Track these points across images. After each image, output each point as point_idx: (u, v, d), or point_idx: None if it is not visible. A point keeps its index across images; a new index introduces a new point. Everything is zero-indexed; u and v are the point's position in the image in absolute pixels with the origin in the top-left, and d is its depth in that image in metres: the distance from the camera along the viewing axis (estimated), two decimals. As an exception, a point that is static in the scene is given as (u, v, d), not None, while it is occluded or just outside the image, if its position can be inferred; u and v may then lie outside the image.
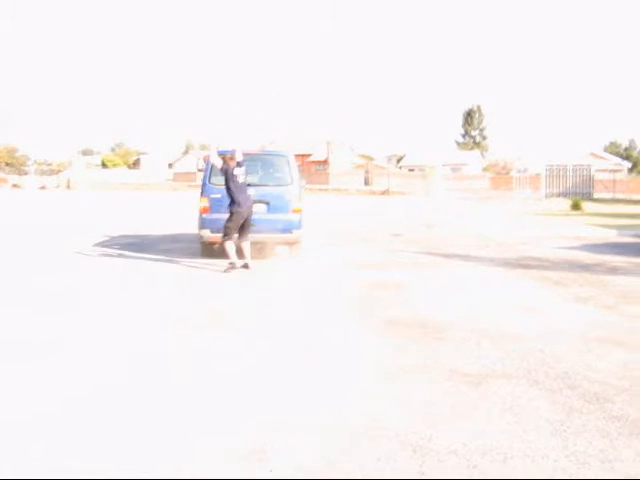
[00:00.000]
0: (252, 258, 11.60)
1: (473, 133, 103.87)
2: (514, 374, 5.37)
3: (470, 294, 9.05)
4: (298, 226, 12.60)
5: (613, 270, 11.38)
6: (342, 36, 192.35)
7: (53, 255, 13.26)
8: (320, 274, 11.11)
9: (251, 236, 11.70)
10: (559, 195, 40.85)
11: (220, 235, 11.43)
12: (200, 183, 13.29)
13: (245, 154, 12.22)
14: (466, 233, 18.25)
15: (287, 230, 12.53)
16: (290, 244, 12.94)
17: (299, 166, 14.80)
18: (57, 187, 61.51)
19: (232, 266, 11.16)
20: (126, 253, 13.44)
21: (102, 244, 15.15)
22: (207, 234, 12.38)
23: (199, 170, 14.18)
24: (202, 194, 12.64)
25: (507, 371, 5.45)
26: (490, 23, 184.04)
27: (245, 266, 11.36)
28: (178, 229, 18.48)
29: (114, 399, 4.82)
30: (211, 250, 12.57)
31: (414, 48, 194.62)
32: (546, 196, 40.75)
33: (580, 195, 39.32)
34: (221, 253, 11.66)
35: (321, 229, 18.82)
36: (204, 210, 12.43)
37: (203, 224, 12.44)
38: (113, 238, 16.44)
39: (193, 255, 13.01)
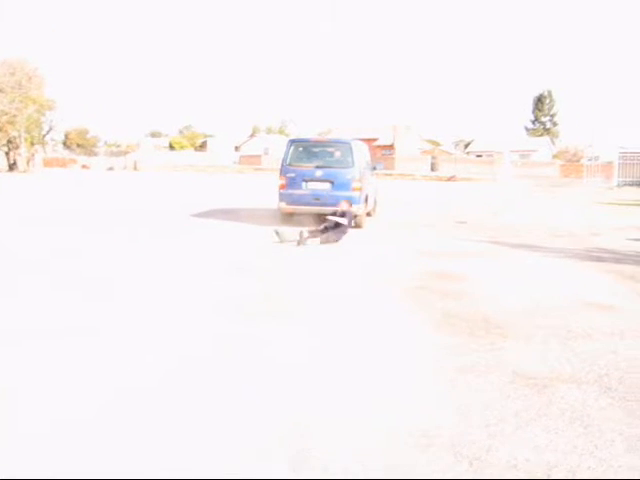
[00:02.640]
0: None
1: (543, 119, 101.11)
2: (584, 379, 4.91)
3: (537, 288, 8.54)
4: (357, 201, 14.86)
5: (693, 266, 10.68)
6: (410, 19, 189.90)
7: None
8: (379, 260, 10.77)
9: (317, 209, 14.59)
10: (632, 184, 39.21)
11: (293, 207, 15.11)
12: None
13: (316, 141, 17.05)
14: (534, 222, 17.56)
15: None
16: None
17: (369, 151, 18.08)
18: (124, 168, 62.42)
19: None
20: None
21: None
22: (283, 205, 15.26)
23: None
24: (280, 173, 15.47)
25: (576, 375, 4.99)
26: (562, 5, 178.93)
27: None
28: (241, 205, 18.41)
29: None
30: (288, 218, 15.36)
31: (484, 32, 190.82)
32: (618, 185, 39.22)
33: (655, 184, 37.75)
34: (296, 221, 14.86)
35: (384, 214, 18.44)
36: (282, 186, 15.26)
37: (281, 197, 15.28)
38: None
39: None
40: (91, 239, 12.62)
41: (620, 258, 11.26)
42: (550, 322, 6.60)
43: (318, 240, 12.30)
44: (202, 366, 5.08)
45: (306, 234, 12.28)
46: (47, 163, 63.53)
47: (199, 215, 17.55)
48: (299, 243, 12.03)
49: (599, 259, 11.09)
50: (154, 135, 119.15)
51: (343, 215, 13.16)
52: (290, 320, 6.54)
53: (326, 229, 12.77)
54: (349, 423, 4.07)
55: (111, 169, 62.25)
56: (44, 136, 55.73)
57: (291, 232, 12.56)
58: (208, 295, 7.70)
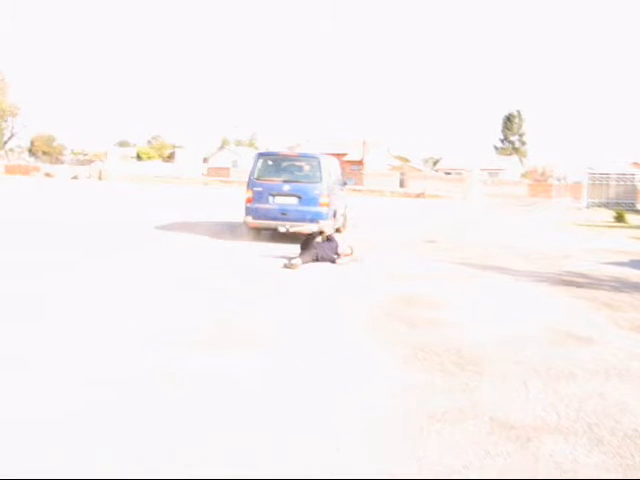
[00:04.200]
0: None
1: (512, 138, 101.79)
2: (571, 429, 4.33)
3: (512, 316, 8.00)
4: (325, 217, 14.64)
5: (670, 292, 10.25)
6: (382, 36, 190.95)
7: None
8: (345, 282, 10.17)
9: (283, 224, 14.40)
10: (600, 205, 39.12)
11: (260, 222, 14.67)
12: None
13: (284, 155, 16.80)
14: (504, 242, 17.11)
15: (314, 220, 14.45)
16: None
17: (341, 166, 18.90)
18: (89, 177, 61.02)
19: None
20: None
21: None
22: (250, 220, 14.82)
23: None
24: (247, 187, 15.08)
25: (562, 424, 4.42)
26: (534, 27, 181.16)
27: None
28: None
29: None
30: (254, 233, 14.99)
31: (455, 51, 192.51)
32: (587, 206, 39.16)
33: (623, 206, 37.47)
34: (263, 236, 14.99)
35: (353, 231, 17.88)
36: (248, 200, 14.84)
37: (247, 212, 14.84)
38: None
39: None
40: (42, 255, 11.86)
41: (594, 283, 10.82)
42: (528, 357, 6.05)
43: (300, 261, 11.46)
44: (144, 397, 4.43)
45: (299, 261, 11.35)
46: (9, 170, 62.11)
47: (163, 228, 16.87)
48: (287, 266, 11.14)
49: (572, 283, 10.62)
50: (122, 145, 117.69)
51: (329, 239, 12.54)
52: (244, 352, 5.90)
53: (306, 249, 11.88)
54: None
55: (75, 178, 60.81)
56: (5, 143, 54.15)
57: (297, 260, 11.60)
58: (159, 319, 7.04)
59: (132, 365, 5.37)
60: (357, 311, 7.90)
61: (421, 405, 4.67)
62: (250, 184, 15.07)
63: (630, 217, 29.44)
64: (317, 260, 11.74)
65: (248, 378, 5.17)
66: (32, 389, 4.73)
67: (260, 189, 14.84)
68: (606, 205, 38.94)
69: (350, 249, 12.39)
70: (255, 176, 15.12)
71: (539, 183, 63.14)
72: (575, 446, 4.05)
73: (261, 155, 16.09)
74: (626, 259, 14.20)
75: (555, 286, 10.31)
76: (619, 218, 28.50)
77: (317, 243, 12.19)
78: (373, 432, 4.18)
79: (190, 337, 6.29)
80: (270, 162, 15.74)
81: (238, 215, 16.44)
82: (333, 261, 11.86)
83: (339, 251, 12.11)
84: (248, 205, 14.87)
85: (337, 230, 16.32)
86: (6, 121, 51.09)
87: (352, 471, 3.62)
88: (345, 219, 18.25)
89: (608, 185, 40.49)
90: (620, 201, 39.58)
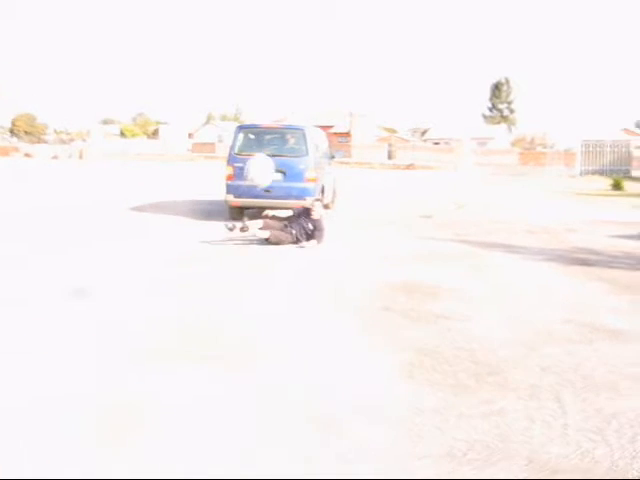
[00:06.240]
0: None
1: (501, 106, 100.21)
2: (631, 469, 3.34)
3: (525, 306, 7.00)
4: (312, 193, 13.56)
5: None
6: (366, 6, 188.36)
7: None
8: (333, 267, 9.16)
9: (268, 202, 13.14)
10: (595, 173, 38.19)
11: (242, 200, 13.56)
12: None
13: (266, 127, 15.73)
14: (502, 216, 16.07)
15: (301, 197, 13.39)
16: None
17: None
18: (69, 157, 59.44)
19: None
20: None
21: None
22: (231, 198, 13.78)
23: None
24: (228, 163, 14.08)
25: (616, 462, 3.41)
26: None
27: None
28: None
29: None
30: (236, 212, 13.63)
31: (440, 18, 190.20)
32: (581, 173, 38.25)
33: (617, 173, 36.59)
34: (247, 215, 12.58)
35: (342, 206, 16.86)
36: (229, 177, 13.84)
37: (228, 189, 13.81)
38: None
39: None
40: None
41: (608, 261, 9.90)
42: (555, 361, 5.06)
43: (267, 233, 10.66)
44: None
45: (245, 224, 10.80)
46: (-14, 151, 60.59)
47: (137, 209, 15.84)
48: (231, 230, 10.77)
49: (585, 262, 9.66)
50: (106, 122, 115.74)
51: (308, 214, 11.19)
52: (208, 361, 4.89)
53: (285, 226, 10.98)
54: None
55: (55, 157, 59.24)
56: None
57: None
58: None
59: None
60: (349, 305, 6.88)
61: (434, 441, 3.66)
62: (230, 160, 14.05)
63: (627, 184, 28.57)
64: (298, 240, 10.78)
65: (229, 391, 4.17)
66: None
67: (241, 165, 13.57)
68: (600, 172, 38.10)
69: (321, 206, 11.63)
70: (236, 151, 14.10)
71: (530, 152, 62.14)
72: (642, 500, 3.08)
73: (241, 128, 15.02)
74: (634, 232, 13.23)
75: (566, 266, 9.35)
76: (616, 186, 27.64)
77: (289, 222, 11.18)
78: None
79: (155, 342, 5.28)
80: (252, 135, 14.70)
81: (221, 192, 15.41)
82: (312, 233, 10.93)
83: (313, 216, 11.15)
84: (229, 182, 13.86)
85: (326, 206, 15.35)
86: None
87: None
88: (334, 194, 17.22)
89: (602, 152, 39.58)
90: (615, 168, 38.72)
